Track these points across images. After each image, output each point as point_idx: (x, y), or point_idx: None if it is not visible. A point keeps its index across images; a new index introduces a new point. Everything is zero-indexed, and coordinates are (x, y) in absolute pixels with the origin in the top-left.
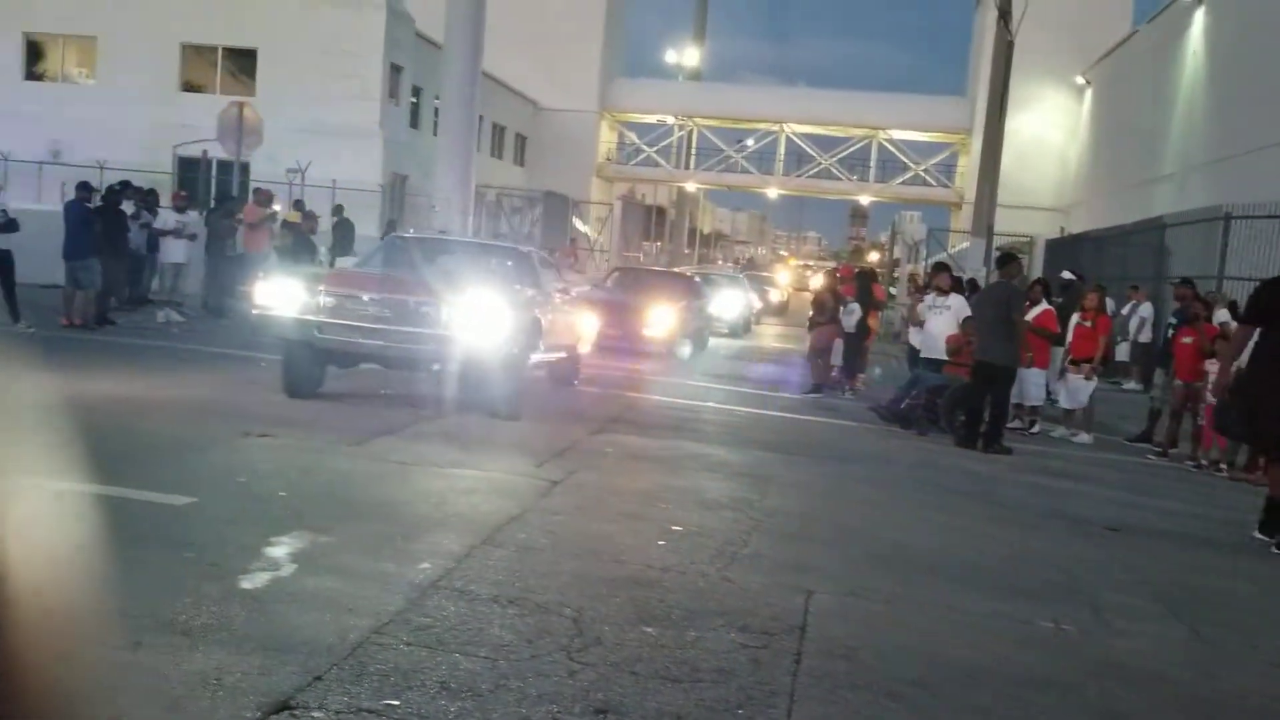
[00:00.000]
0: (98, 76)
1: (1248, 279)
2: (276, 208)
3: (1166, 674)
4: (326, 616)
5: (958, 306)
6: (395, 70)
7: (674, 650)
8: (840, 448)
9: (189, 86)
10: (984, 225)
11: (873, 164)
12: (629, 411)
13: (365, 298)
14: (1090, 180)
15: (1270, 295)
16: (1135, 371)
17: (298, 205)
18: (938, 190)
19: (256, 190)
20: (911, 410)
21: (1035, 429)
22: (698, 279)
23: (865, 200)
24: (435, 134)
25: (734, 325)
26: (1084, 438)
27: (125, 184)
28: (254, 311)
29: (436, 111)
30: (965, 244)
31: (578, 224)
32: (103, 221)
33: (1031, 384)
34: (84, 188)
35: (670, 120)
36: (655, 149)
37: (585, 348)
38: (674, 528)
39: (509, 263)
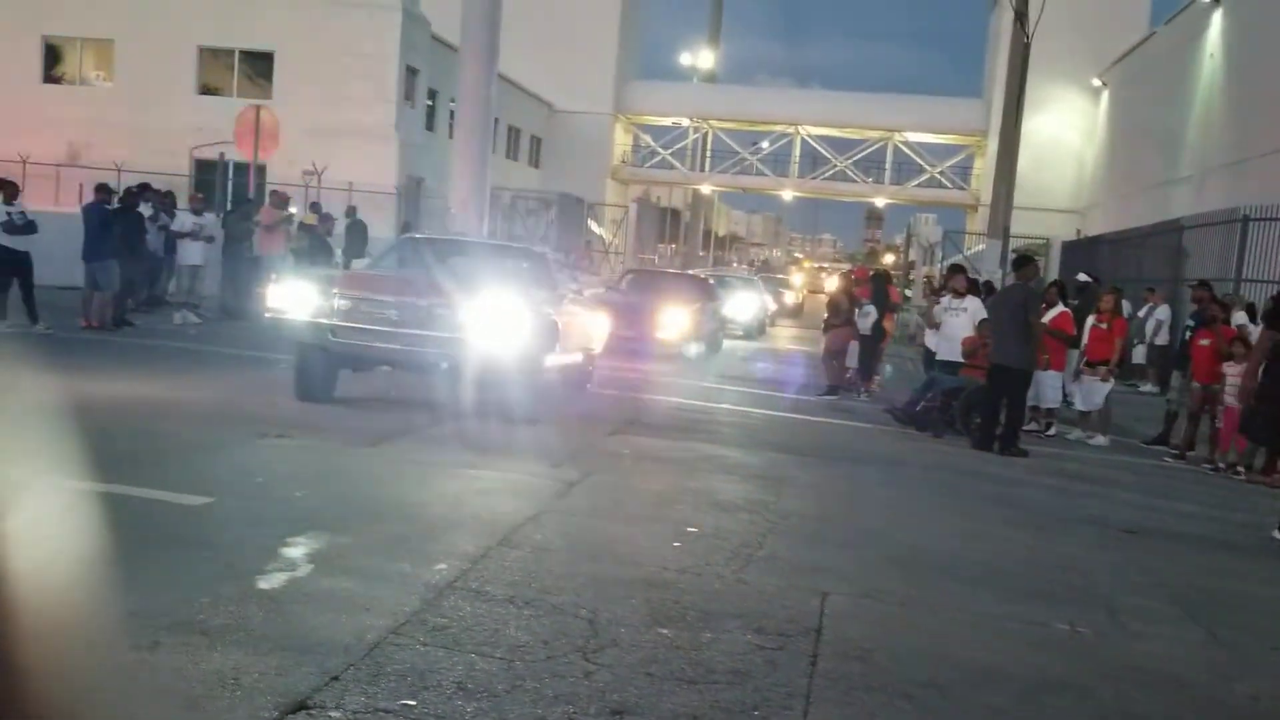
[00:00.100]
0: (115, 79)
1: (1266, 281)
2: (293, 210)
3: (1183, 677)
4: (343, 617)
5: (974, 309)
6: (411, 73)
7: (689, 652)
8: (855, 450)
9: (206, 89)
10: (1000, 227)
11: (888, 166)
12: (644, 413)
13: (380, 300)
14: (1107, 182)
15: None
16: (1152, 374)
17: (314, 207)
18: (953, 192)
19: (273, 192)
20: (927, 412)
21: (1051, 431)
22: (711, 281)
23: (880, 202)
24: (451, 136)
25: (748, 327)
26: (1100, 440)
27: (144, 186)
28: (266, 315)
29: (452, 114)
30: (981, 246)
31: (593, 226)
32: (121, 223)
33: (1048, 386)
34: (103, 189)
35: (685, 122)
36: (670, 151)
37: (599, 350)
38: (689, 529)
39: (524, 264)
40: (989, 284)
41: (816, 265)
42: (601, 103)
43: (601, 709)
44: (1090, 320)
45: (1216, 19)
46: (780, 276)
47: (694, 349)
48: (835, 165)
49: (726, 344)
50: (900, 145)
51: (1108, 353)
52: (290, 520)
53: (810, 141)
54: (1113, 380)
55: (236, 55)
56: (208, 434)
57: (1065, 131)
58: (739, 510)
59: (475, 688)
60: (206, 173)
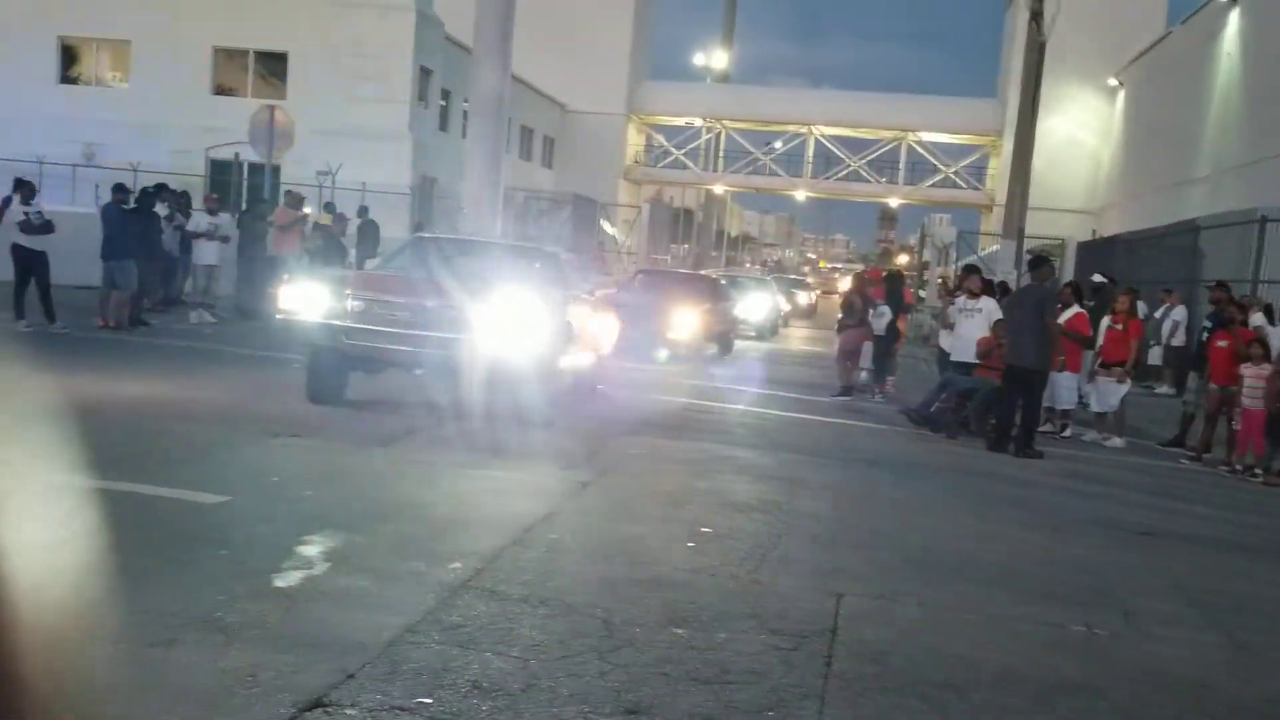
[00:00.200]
0: (130, 80)
1: None
2: (307, 210)
3: (1200, 679)
4: (359, 615)
5: (989, 309)
6: (424, 73)
7: (704, 652)
8: (870, 451)
9: (220, 90)
10: (1015, 228)
11: (902, 166)
12: (657, 414)
13: (393, 302)
14: (1122, 182)
15: None
16: (1168, 375)
17: (328, 208)
18: (968, 192)
19: (288, 193)
20: (941, 413)
21: (1067, 433)
22: (723, 281)
23: (894, 203)
24: (464, 136)
25: (761, 328)
26: (1116, 442)
27: (160, 186)
28: (278, 316)
29: (465, 114)
30: (996, 246)
31: (606, 226)
32: (137, 224)
33: (1063, 387)
34: (120, 190)
35: (698, 122)
36: (683, 151)
37: (612, 350)
38: (704, 530)
39: (537, 264)
40: (1004, 284)
41: (830, 267)
42: (614, 103)
43: (616, 708)
44: (1105, 321)
45: (1234, 18)
46: (793, 277)
47: (705, 349)
48: (849, 165)
49: (739, 344)
50: (914, 145)
51: (1123, 354)
52: (305, 519)
53: (824, 141)
54: (1128, 381)
55: (251, 56)
56: (222, 434)
57: (1081, 131)
58: (753, 511)
59: (490, 686)
60: (221, 173)
